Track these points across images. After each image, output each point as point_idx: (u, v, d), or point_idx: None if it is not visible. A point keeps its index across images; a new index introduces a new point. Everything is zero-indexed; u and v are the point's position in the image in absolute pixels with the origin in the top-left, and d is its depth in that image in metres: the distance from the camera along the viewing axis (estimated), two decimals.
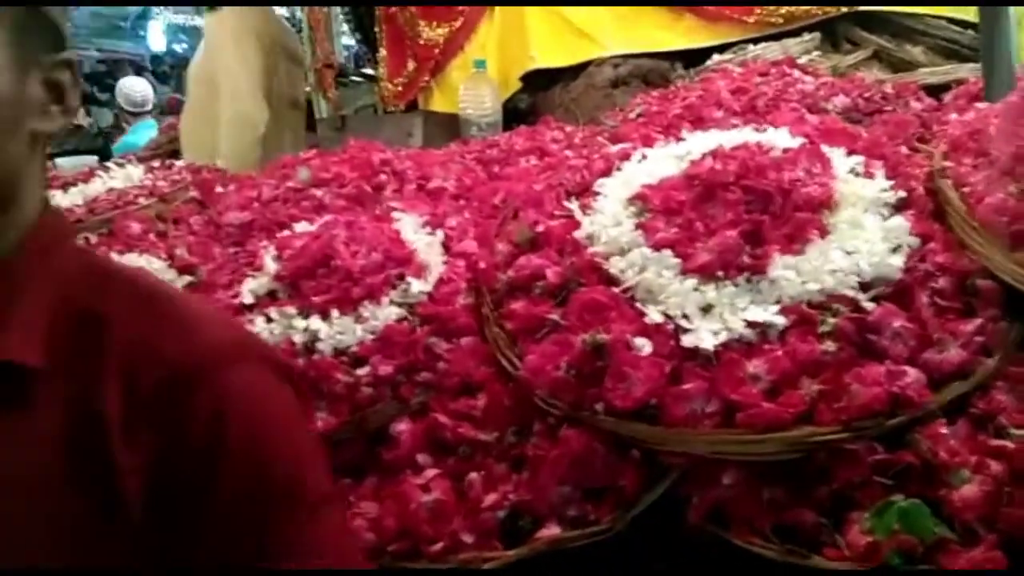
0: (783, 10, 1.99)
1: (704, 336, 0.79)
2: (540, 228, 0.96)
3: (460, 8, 2.33)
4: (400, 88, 2.44)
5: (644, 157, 1.02)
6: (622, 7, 2.17)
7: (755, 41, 1.99)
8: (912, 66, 1.92)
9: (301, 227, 1.09)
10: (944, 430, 0.72)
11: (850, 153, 0.94)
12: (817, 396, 0.74)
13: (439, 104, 2.30)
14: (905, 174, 0.91)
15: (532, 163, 1.33)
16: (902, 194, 0.89)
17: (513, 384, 0.86)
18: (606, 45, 2.14)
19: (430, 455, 0.86)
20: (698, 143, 0.98)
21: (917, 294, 0.79)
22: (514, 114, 2.17)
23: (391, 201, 1.14)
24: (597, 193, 0.98)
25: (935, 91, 1.45)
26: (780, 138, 0.96)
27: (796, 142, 0.94)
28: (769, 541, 0.74)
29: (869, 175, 0.90)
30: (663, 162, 0.98)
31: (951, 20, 2.06)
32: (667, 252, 0.85)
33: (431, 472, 0.84)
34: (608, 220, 0.92)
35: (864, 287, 0.80)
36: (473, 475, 0.83)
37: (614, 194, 0.96)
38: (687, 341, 0.79)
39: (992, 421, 0.72)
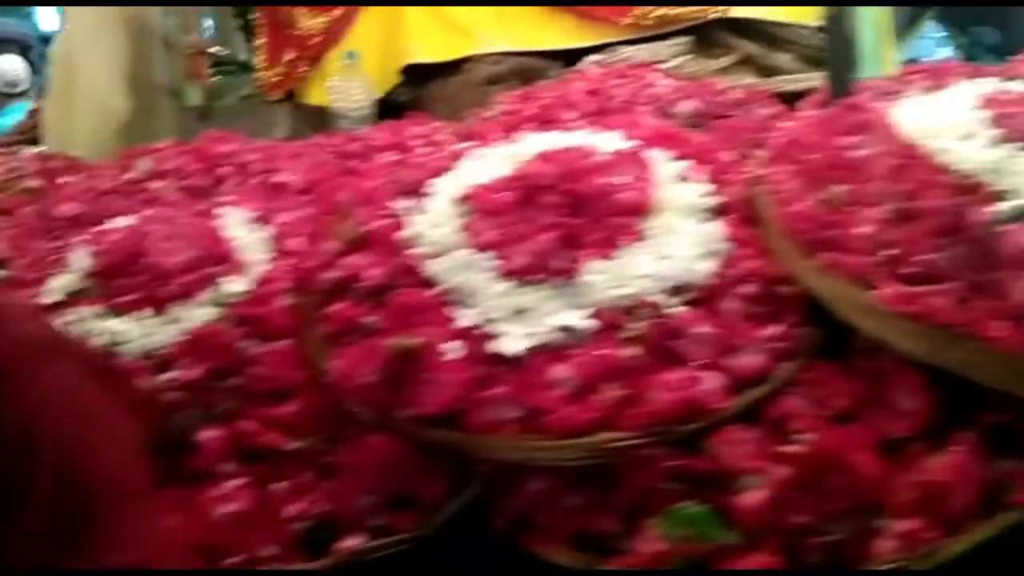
0: (656, 13, 2.01)
1: (513, 340, 0.78)
2: (367, 227, 0.93)
3: None
4: (278, 78, 2.37)
5: (481, 156, 1.00)
6: (503, 5, 2.16)
7: (630, 43, 2.00)
8: (780, 73, 1.97)
9: (122, 221, 1.03)
10: (738, 435, 0.72)
11: (679, 158, 0.95)
12: (617, 401, 0.74)
13: (317, 96, 2.24)
14: (728, 180, 0.92)
15: (390, 159, 1.30)
16: (721, 200, 0.89)
17: (325, 390, 0.83)
18: (485, 41, 2.12)
19: (237, 464, 0.83)
20: (532, 145, 0.97)
21: (724, 299, 0.80)
22: (394, 108, 2.14)
23: (224, 195, 1.10)
24: (428, 192, 0.96)
25: (797, 98, 1.49)
26: (610, 142, 0.96)
27: (626, 146, 0.94)
28: (568, 548, 0.74)
29: (691, 180, 0.91)
30: (497, 163, 0.96)
31: (820, 29, 2.13)
32: (485, 254, 0.84)
33: (235, 482, 0.81)
34: (433, 220, 0.90)
35: (674, 292, 0.80)
36: (278, 485, 0.80)
37: (444, 194, 0.94)
38: (495, 346, 0.78)
39: (784, 426, 0.73)
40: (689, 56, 1.93)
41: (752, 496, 0.69)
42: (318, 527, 0.78)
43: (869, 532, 0.66)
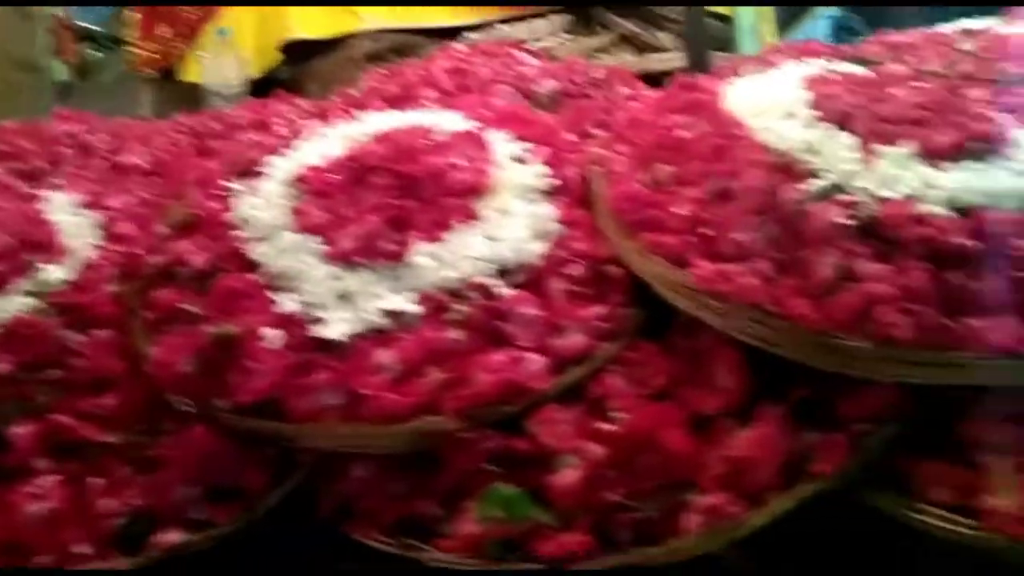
0: None
1: (336, 326, 0.76)
2: (195, 210, 0.90)
3: None
4: (153, 54, 2.28)
5: (321, 136, 0.97)
6: None
7: (508, 21, 1.99)
8: (660, 52, 1.99)
9: None
10: (557, 415, 0.72)
11: (521, 139, 0.94)
12: (440, 385, 0.73)
13: (193, 73, 2.17)
14: (568, 161, 0.92)
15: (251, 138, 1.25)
16: (558, 181, 0.89)
17: (145, 381, 0.80)
18: (365, 18, 2.09)
19: (52, 460, 0.79)
20: (369, 125, 0.95)
21: (551, 281, 0.80)
22: (275, 86, 2.08)
23: (55, 177, 1.04)
24: (263, 173, 0.93)
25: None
26: (451, 122, 0.95)
27: (465, 126, 0.93)
28: (389, 535, 0.73)
29: (529, 162, 0.90)
30: (335, 142, 0.94)
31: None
32: (311, 237, 0.82)
33: (48, 479, 0.77)
34: (262, 202, 0.87)
35: (503, 274, 0.80)
36: (94, 480, 0.77)
37: (278, 174, 0.91)
38: (318, 331, 0.76)
39: (604, 405, 0.74)
40: (566, 34, 1.93)
41: (566, 475, 0.69)
42: (135, 522, 0.75)
43: (677, 508, 0.67)
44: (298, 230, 0.83)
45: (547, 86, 1.27)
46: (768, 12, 2.42)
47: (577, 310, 0.78)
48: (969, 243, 0.68)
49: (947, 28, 1.34)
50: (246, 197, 0.90)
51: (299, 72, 2.17)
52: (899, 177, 0.73)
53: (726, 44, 2.15)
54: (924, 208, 0.71)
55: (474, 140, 0.89)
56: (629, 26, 2.01)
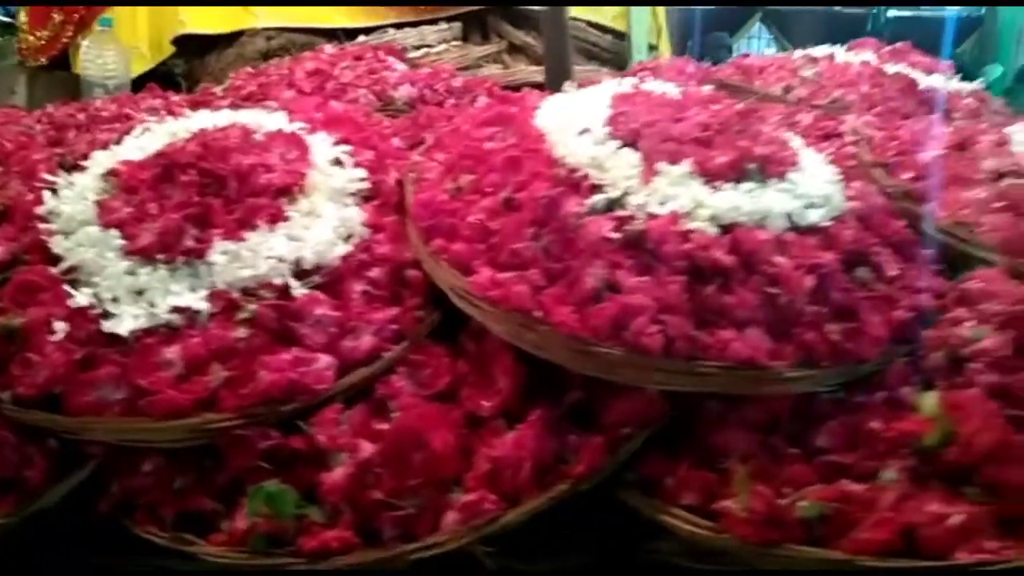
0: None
1: (125, 321, 0.77)
2: (7, 201, 0.90)
3: None
4: (43, 42, 2.24)
5: (148, 132, 0.97)
6: None
7: (401, 26, 2.01)
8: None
9: None
10: (337, 415, 0.74)
11: (345, 142, 0.95)
12: (223, 383, 0.74)
13: (78, 63, 2.13)
14: (390, 167, 0.94)
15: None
16: (375, 186, 0.91)
17: None
18: (260, 16, 2.08)
19: None
20: (193, 123, 0.96)
21: (349, 283, 0.81)
22: (167, 79, 2.06)
23: None
24: (85, 166, 0.93)
25: None
26: (278, 122, 0.96)
27: (288, 127, 0.94)
28: (169, 529, 0.73)
29: (347, 166, 0.92)
30: (158, 139, 0.94)
31: (590, 23, 2.20)
32: (112, 232, 0.82)
33: None
34: (73, 195, 0.87)
35: (301, 275, 0.81)
36: None
37: (96, 169, 0.92)
38: (107, 326, 0.77)
39: (387, 405, 0.76)
40: (457, 42, 1.96)
41: (335, 473, 0.71)
42: None
43: (439, 506, 0.69)
44: (101, 225, 0.83)
45: (404, 92, 1.29)
46: (664, 30, 2.48)
47: (370, 312, 0.80)
48: (725, 259, 0.72)
49: (799, 54, 1.40)
50: (62, 190, 0.89)
51: (194, 66, 2.16)
52: (673, 195, 0.77)
53: (620, 59, 2.21)
54: (690, 225, 0.75)
55: (291, 142, 0.90)
56: (521, 35, 2.05)
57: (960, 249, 0.85)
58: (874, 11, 3.82)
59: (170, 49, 2.14)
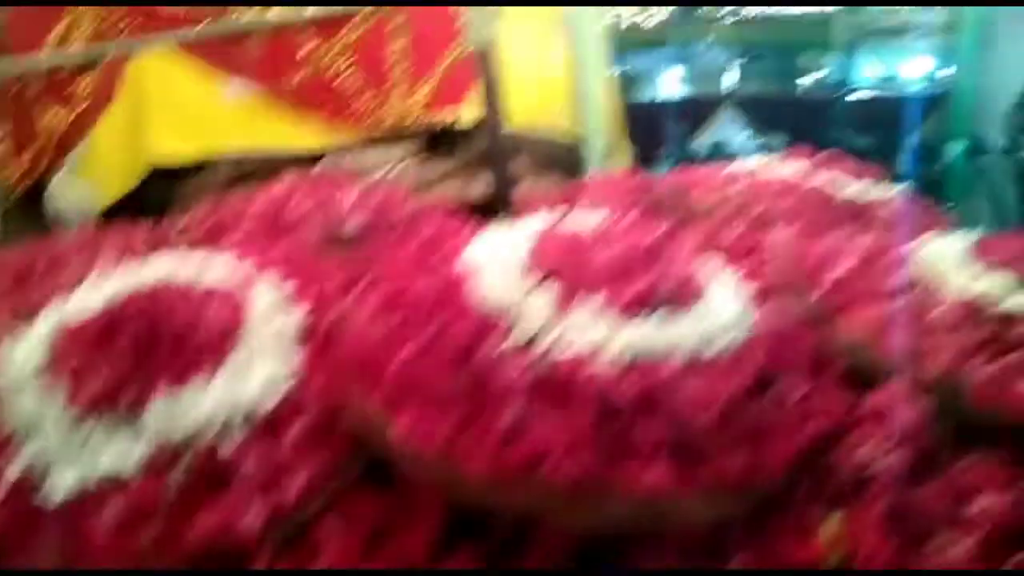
0: (390, 120, 2.12)
1: (64, 477, 0.80)
2: None
3: (88, 90, 2.28)
4: (21, 171, 2.32)
5: (97, 283, 1.02)
6: (249, 105, 2.21)
7: (367, 145, 2.09)
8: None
9: None
10: (266, 563, 0.76)
11: (286, 284, 1.00)
12: (156, 538, 0.77)
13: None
14: (329, 308, 0.98)
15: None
16: (312, 329, 0.95)
17: None
18: (229, 141, 2.16)
19: None
20: (142, 273, 1.00)
21: (281, 429, 0.85)
22: (143, 205, 2.13)
23: None
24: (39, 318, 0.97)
25: None
26: (219, 269, 1.01)
27: (225, 276, 0.99)
28: None
29: (287, 310, 0.96)
30: (106, 291, 0.99)
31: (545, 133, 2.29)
32: (56, 388, 0.86)
33: None
34: (22, 349, 0.92)
35: (235, 425, 0.84)
36: None
37: (48, 322, 0.96)
38: (46, 483, 0.80)
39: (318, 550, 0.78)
40: (416, 158, 2.04)
41: None
42: None
43: None
44: (45, 381, 0.87)
45: (354, 222, 1.35)
46: (623, 139, 2.58)
47: (301, 458, 0.83)
48: (629, 394, 0.76)
49: (735, 165, 1.47)
50: (15, 343, 0.93)
51: (169, 193, 2.23)
52: (587, 330, 0.81)
53: (577, 167, 2.29)
54: (601, 359, 0.79)
55: (228, 294, 0.95)
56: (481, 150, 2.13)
57: (868, 365, 0.89)
58: (835, 95, 3.98)
59: (141, 174, 2.21)
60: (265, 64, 2.19)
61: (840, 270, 0.99)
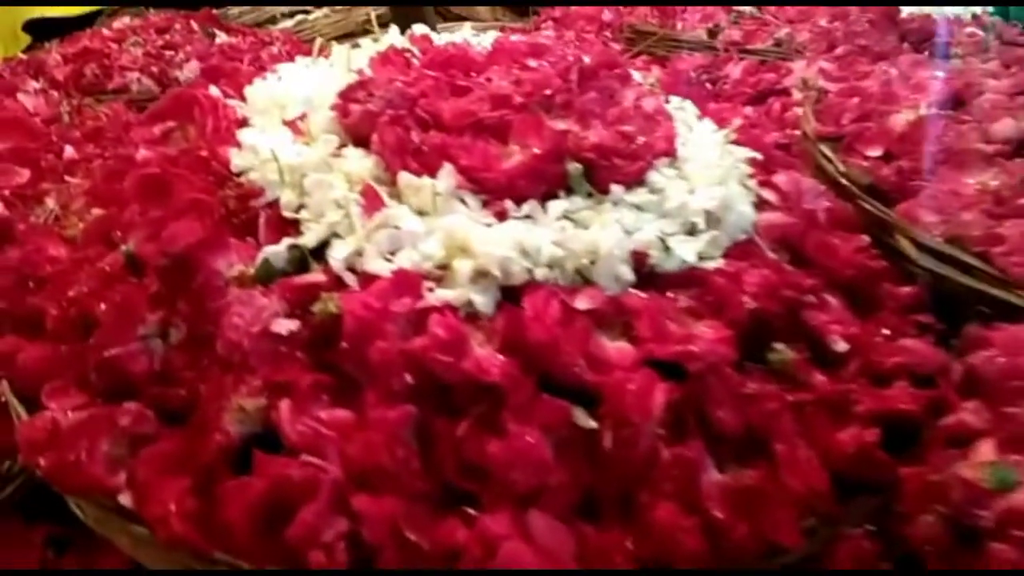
0: None
1: None
2: None
3: None
4: None
5: None
6: None
7: None
8: None
9: None
10: None
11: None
12: None
13: None
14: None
15: None
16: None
17: None
18: None
19: None
20: None
21: None
22: None
23: None
24: None
25: None
26: None
27: None
28: None
29: None
30: None
31: None
32: None
33: None
34: None
35: None
36: None
37: None
38: None
39: None
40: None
41: None
42: None
43: None
44: None
45: (188, 72, 0.96)
46: None
47: None
48: (493, 377, 0.36)
49: None
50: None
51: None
52: (416, 235, 0.41)
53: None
54: (440, 295, 0.39)
55: None
56: None
57: (961, 283, 0.48)
58: None
59: (25, 38, 1.87)
60: None
61: (909, 117, 0.57)
